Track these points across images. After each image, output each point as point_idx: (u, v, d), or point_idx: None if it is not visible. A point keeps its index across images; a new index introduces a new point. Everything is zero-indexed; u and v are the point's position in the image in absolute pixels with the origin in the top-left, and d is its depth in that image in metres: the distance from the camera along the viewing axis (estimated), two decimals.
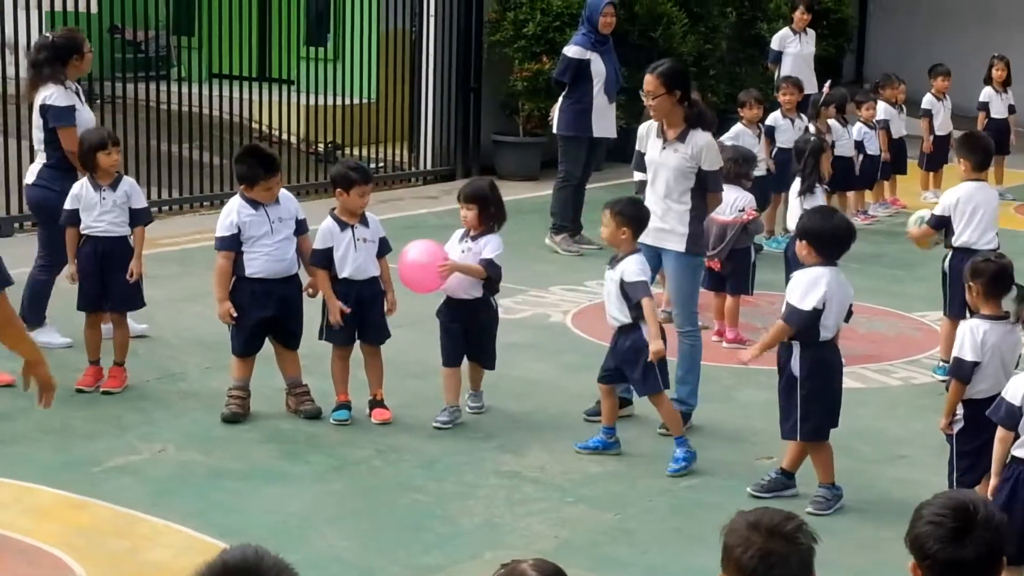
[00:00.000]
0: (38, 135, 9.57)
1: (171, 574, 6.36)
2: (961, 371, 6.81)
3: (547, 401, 8.88)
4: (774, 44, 16.50)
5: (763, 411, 7.83)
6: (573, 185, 13.03)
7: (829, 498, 7.35)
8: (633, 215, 7.91)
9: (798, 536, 3.60)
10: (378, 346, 8.49)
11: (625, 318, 7.79)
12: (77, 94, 9.61)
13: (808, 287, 7.22)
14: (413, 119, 16.43)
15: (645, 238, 8.39)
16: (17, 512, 7.05)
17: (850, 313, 7.50)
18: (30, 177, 9.61)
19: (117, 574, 6.44)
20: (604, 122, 12.96)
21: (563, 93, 13.03)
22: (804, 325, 7.21)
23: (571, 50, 13.00)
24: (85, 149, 8.85)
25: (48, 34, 9.97)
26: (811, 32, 16.60)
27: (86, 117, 9.61)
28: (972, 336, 6.78)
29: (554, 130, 13.25)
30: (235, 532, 6.65)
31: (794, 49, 16.25)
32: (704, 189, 8.31)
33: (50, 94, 9.42)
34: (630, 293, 7.73)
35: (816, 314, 7.19)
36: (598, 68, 12.87)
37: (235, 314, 8.27)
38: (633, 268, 7.77)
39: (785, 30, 16.55)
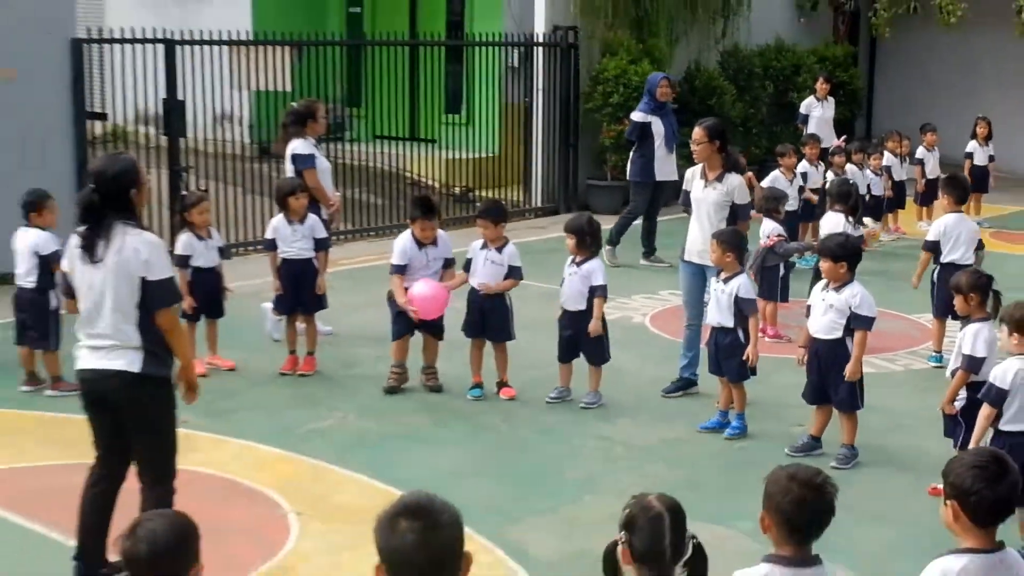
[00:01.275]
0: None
1: (353, 511, 6.46)
2: (973, 364, 6.52)
3: (632, 383, 8.89)
4: (802, 109, 16.37)
5: (795, 390, 7.80)
6: (633, 218, 13.04)
7: (849, 456, 7.34)
8: (735, 243, 7.78)
9: (825, 486, 3.69)
10: (503, 343, 8.49)
11: (729, 323, 7.70)
12: (316, 146, 9.70)
13: (870, 298, 7.27)
14: (527, 168, 16.51)
15: (692, 257, 8.41)
16: (241, 464, 7.21)
17: None
18: None
19: (315, 510, 6.54)
20: (666, 168, 12.99)
21: (633, 148, 13.13)
22: None
23: (636, 115, 13.12)
24: (282, 194, 8.90)
25: (294, 103, 10.09)
26: (831, 99, 16.44)
27: (324, 164, 9.71)
28: (990, 338, 6.58)
29: (627, 177, 13.33)
30: (399, 481, 6.72)
31: (817, 113, 16.13)
32: (736, 218, 8.34)
33: (296, 146, 9.51)
34: (743, 307, 7.67)
35: None
36: (657, 128, 12.92)
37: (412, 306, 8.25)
38: (748, 287, 7.74)
39: (810, 98, 16.41)
